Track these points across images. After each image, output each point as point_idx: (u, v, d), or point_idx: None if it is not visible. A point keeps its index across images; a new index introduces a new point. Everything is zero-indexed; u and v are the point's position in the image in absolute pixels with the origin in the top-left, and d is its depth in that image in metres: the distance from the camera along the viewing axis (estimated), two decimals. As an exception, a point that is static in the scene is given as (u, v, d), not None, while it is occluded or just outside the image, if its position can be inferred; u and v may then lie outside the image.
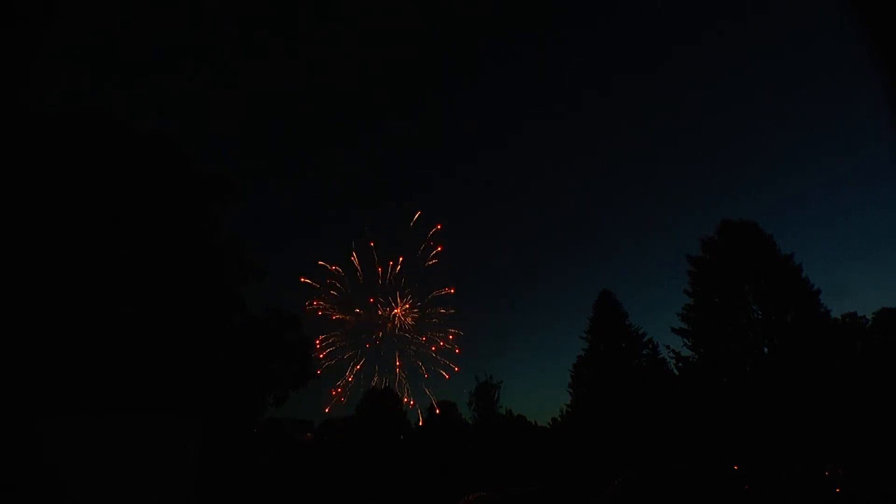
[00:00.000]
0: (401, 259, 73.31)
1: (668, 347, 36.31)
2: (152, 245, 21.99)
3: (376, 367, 73.08)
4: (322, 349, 70.56)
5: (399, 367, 73.22)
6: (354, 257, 72.75)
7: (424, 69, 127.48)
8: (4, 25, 4.76)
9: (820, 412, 26.93)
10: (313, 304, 71.29)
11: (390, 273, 72.96)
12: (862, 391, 26.93)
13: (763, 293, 32.63)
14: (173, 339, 21.56)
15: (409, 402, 68.39)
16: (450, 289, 73.97)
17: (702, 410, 31.30)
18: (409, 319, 74.56)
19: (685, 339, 34.35)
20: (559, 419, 46.77)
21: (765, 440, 27.84)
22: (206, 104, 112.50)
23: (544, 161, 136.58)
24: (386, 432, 51.48)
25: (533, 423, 56.11)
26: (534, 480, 36.15)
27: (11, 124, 16.84)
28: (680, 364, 35.02)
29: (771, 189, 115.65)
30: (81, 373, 18.61)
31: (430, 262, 73.04)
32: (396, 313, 74.13)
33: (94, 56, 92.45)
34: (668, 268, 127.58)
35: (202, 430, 18.64)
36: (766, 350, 31.97)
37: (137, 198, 21.78)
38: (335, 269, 72.03)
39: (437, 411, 57.83)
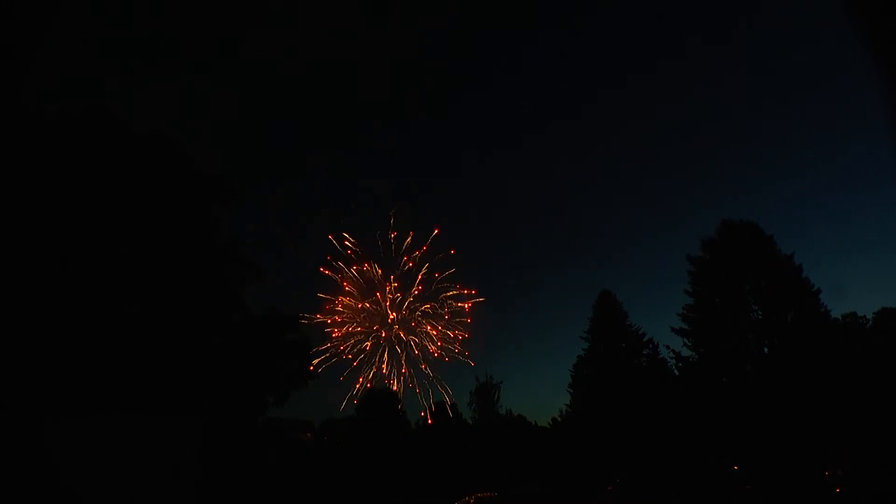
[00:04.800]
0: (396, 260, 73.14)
1: (668, 347, 36.41)
2: (152, 246, 21.96)
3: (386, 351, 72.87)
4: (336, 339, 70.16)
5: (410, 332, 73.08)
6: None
7: (424, 69, 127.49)
8: (4, 25, 4.77)
9: (820, 412, 26.95)
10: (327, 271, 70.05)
11: (405, 257, 72.46)
12: (862, 391, 26.93)
13: (763, 293, 32.61)
14: (173, 340, 21.56)
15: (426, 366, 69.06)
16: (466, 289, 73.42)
17: (702, 410, 31.30)
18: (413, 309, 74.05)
19: (685, 339, 34.38)
20: (559, 419, 46.93)
21: (765, 440, 27.84)
22: (206, 104, 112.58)
23: (545, 161, 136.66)
24: (386, 432, 51.45)
25: (533, 423, 56.33)
26: (534, 480, 36.20)
27: (11, 124, 16.85)
28: (680, 364, 35.05)
29: (771, 189, 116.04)
30: (82, 373, 18.59)
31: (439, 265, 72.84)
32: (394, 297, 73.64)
33: (93, 56, 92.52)
34: (668, 268, 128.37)
35: (202, 430, 18.66)
36: (766, 350, 31.96)
37: (137, 198, 21.75)
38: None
39: (433, 410, 58.30)
